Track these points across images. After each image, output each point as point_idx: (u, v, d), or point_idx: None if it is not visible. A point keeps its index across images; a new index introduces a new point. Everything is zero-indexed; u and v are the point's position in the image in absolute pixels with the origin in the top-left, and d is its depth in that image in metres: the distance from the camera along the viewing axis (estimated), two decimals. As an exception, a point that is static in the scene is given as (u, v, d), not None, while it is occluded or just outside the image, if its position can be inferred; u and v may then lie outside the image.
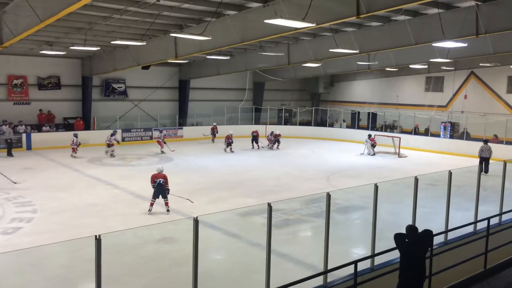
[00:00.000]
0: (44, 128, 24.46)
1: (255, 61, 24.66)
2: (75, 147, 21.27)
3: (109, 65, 23.66)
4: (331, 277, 6.47)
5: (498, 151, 21.47)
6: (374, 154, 24.07)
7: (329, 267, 6.28)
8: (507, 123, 24.29)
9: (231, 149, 23.95)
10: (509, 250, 8.25)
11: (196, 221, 5.06)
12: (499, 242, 8.15)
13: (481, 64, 25.50)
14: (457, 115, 28.34)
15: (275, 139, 26.04)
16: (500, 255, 7.98)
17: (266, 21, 10.75)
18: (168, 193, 12.48)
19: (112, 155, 21.53)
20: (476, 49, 18.81)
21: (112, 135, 22.06)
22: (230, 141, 23.97)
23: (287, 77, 31.60)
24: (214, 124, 28.26)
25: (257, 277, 6.11)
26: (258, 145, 25.79)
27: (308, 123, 33.07)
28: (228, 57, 24.58)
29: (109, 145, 21.71)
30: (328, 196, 6.34)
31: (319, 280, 6.25)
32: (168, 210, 12.34)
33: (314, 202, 13.21)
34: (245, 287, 6.35)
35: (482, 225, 8.37)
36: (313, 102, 36.97)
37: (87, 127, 25.97)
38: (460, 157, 22.77)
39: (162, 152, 23.22)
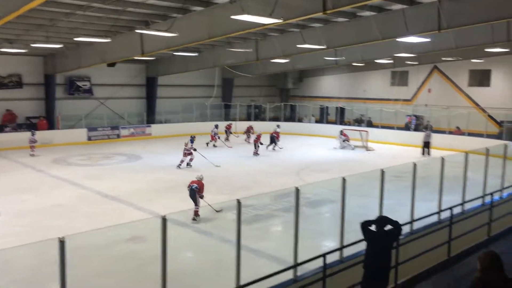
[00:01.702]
0: (6, 128, 23.63)
1: (224, 57, 24.58)
2: (33, 145, 20.78)
3: (73, 63, 23.05)
4: (301, 270, 6.53)
5: (461, 142, 22.20)
6: (353, 148, 24.55)
7: (299, 261, 6.35)
8: (469, 115, 25.10)
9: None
10: (471, 238, 8.54)
11: (164, 220, 5.00)
12: (462, 231, 8.43)
13: (443, 59, 26.23)
14: (422, 108, 29.07)
15: (248, 132, 26.33)
16: (463, 243, 8.26)
17: (233, 17, 10.72)
18: (198, 203, 11.76)
19: (189, 165, 18.69)
20: (439, 44, 19.36)
21: (191, 141, 19.08)
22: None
23: (256, 73, 31.63)
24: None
25: (227, 274, 6.10)
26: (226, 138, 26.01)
27: (277, 119, 33.20)
28: (196, 54, 24.38)
29: (186, 154, 18.77)
30: (297, 190, 6.39)
31: (289, 274, 6.30)
32: (194, 219, 11.64)
33: (284, 197, 13.30)
34: (215, 284, 6.34)
35: (446, 215, 8.64)
36: (282, 97, 37.15)
37: (51, 126, 25.22)
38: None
39: (214, 146, 24.18)
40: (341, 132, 25.20)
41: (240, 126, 30.98)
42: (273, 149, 23.80)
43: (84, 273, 8.20)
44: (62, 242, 4.38)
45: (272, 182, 16.22)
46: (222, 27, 14.31)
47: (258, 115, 34.65)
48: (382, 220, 5.98)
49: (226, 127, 27.17)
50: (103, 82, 27.60)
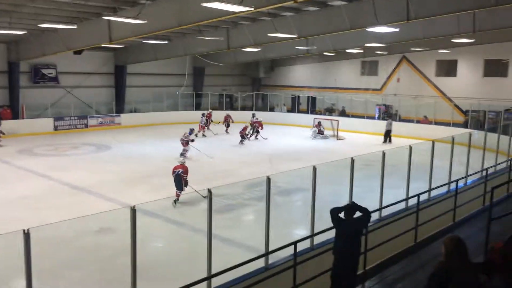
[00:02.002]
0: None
1: (194, 45, 24.26)
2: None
3: (38, 50, 22.26)
4: (273, 258, 6.59)
5: (428, 131, 22.76)
6: (328, 138, 24.80)
7: (271, 249, 6.39)
8: (436, 105, 25.71)
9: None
10: (437, 224, 8.78)
11: (133, 210, 4.93)
12: (428, 217, 8.65)
13: (412, 49, 26.70)
14: (391, 97, 29.58)
15: (226, 122, 26.19)
16: (429, 229, 8.47)
17: (203, 4, 10.58)
18: (186, 185, 12.12)
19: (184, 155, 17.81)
20: (407, 34, 19.68)
21: (190, 133, 19.16)
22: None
23: (227, 62, 31.40)
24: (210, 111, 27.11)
25: (199, 263, 6.08)
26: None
27: (249, 108, 33.15)
28: (166, 42, 23.96)
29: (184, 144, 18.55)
30: (268, 179, 6.42)
31: (261, 262, 6.34)
32: (175, 202, 11.92)
33: (256, 186, 13.31)
34: (186, 273, 6.31)
35: (413, 202, 8.85)
36: (254, 86, 37.09)
37: (15, 116, 24.39)
38: (393, 137, 23.81)
39: (204, 135, 24.11)
40: (319, 124, 25.36)
41: (214, 115, 30.80)
42: (256, 138, 23.96)
43: (52, 265, 8.05)
44: (27, 234, 4.28)
45: (243, 171, 16.22)
46: (192, 15, 14.09)
47: (230, 104, 34.51)
48: (351, 208, 6.05)
49: (207, 116, 26.74)
50: (69, 70, 26.80)
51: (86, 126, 26.32)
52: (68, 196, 12.96)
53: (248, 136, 23.36)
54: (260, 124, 24.43)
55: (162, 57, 26.63)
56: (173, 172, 12.25)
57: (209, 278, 5.67)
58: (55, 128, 25.00)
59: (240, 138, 22.43)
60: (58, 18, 17.03)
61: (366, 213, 6.16)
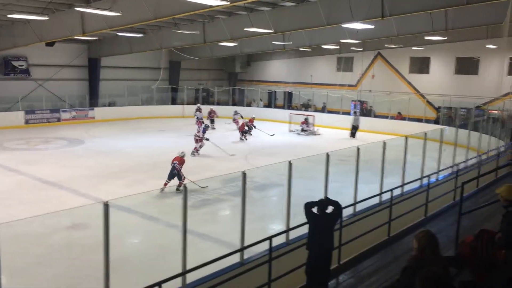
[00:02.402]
0: None
1: (170, 39, 23.99)
2: None
3: (8, 41, 21.59)
4: (248, 253, 6.58)
5: (402, 127, 23.15)
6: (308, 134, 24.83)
7: (246, 244, 6.38)
8: (409, 101, 26.16)
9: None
10: (409, 218, 8.95)
11: (106, 206, 4.84)
12: (401, 211, 8.81)
13: (386, 46, 27.08)
14: (366, 94, 29.95)
15: (211, 118, 25.87)
16: (402, 223, 8.63)
17: (179, -3, 10.44)
18: (182, 177, 12.56)
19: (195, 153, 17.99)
20: (382, 31, 19.96)
21: (204, 130, 18.88)
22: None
23: (203, 56, 31.17)
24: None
25: (174, 259, 6.03)
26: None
27: (225, 103, 33.04)
28: (141, 35, 23.59)
29: (197, 140, 18.38)
30: (244, 174, 6.40)
31: (236, 258, 6.33)
32: (177, 189, 12.27)
33: (232, 181, 13.29)
34: (161, 269, 6.25)
35: (386, 196, 8.99)
36: (230, 81, 36.96)
37: (-16, 109, 23.69)
38: (368, 133, 24.15)
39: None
40: (306, 120, 25.41)
41: (189, 110, 30.60)
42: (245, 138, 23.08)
43: (23, 261, 7.85)
44: (-5, 231, 4.13)
45: (220, 166, 16.17)
46: (168, 8, 13.91)
47: (206, 99, 34.32)
48: (323, 202, 6.09)
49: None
50: (41, 62, 26.13)
51: (59, 120, 25.75)
52: (39, 191, 12.67)
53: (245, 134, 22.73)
54: (251, 121, 24.22)
55: (137, 50, 26.24)
56: (172, 163, 12.89)
57: (183, 273, 5.62)
58: (26, 121, 24.39)
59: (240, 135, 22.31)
60: (29, 9, 16.56)
61: (337, 206, 6.18)
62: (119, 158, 17.22)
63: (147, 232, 10.39)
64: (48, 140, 20.80)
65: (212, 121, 25.82)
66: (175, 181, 12.60)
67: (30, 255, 8.44)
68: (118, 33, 22.51)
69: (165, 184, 12.70)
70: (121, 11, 13.00)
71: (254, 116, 25.29)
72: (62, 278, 7.72)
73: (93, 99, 28.28)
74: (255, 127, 23.86)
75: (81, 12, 16.00)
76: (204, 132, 18.76)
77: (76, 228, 9.69)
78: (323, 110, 30.00)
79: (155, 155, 17.97)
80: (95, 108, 27.77)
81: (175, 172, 12.67)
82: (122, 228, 9.41)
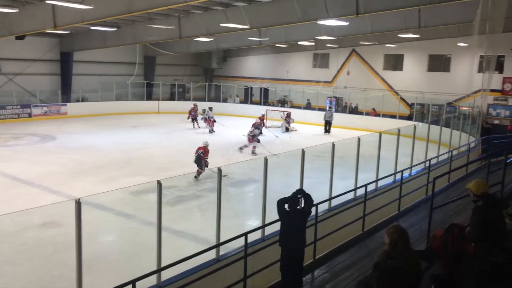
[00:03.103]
0: None
1: (145, 33, 23.64)
2: None
3: (-24, 34, 20.91)
4: (224, 249, 6.58)
5: (376, 123, 23.50)
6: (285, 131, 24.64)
7: (222, 240, 6.38)
8: (383, 97, 26.56)
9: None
10: (383, 213, 9.10)
11: (78, 203, 4.75)
12: (375, 206, 8.96)
13: (361, 43, 27.37)
14: (341, 90, 30.25)
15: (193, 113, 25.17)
16: (376, 218, 8.77)
17: (154, -9, 10.29)
18: (206, 166, 13.59)
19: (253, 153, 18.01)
20: (357, 28, 20.16)
21: (257, 128, 18.87)
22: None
23: (179, 52, 30.87)
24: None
25: (149, 256, 5.98)
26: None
27: (201, 99, 32.82)
28: (115, 29, 23.17)
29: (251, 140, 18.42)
30: (219, 170, 6.38)
31: (212, 254, 6.32)
32: (195, 177, 13.34)
33: (208, 177, 13.25)
34: (136, 267, 6.18)
35: (361, 192, 9.12)
36: (206, 77, 36.73)
37: (-49, 104, 22.89)
38: (342, 129, 24.42)
39: (212, 131, 23.12)
40: (287, 115, 25.35)
41: (164, 106, 30.36)
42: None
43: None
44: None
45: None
46: (143, 2, 13.71)
47: (182, 95, 34.04)
48: (294, 198, 6.09)
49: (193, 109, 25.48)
50: (11, 56, 25.38)
51: (30, 115, 25.12)
52: (9, 188, 12.34)
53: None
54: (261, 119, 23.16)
55: (111, 45, 25.77)
56: (196, 152, 13.73)
57: (158, 271, 5.58)
58: (-5, 117, 23.71)
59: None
60: (-2, 1, 16.05)
61: (309, 200, 6.20)
62: (92, 155, 16.92)
63: (121, 229, 10.24)
64: (18, 136, 20.26)
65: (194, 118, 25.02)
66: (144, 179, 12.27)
67: (0, 253, 8.22)
68: (91, 27, 22.05)
69: (199, 172, 13.51)
70: (94, 4, 12.72)
71: (263, 113, 24.34)
72: (34, 277, 7.55)
73: (66, 94, 27.65)
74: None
75: (53, 4, 15.60)
76: (256, 131, 18.63)
77: (48, 226, 9.49)
78: (308, 107, 29.84)
79: (130, 152, 17.74)
80: (68, 104, 27.17)
81: (201, 160, 13.62)
82: (96, 226, 9.26)
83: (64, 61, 27.99)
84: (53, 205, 8.86)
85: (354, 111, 28.26)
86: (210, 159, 16.55)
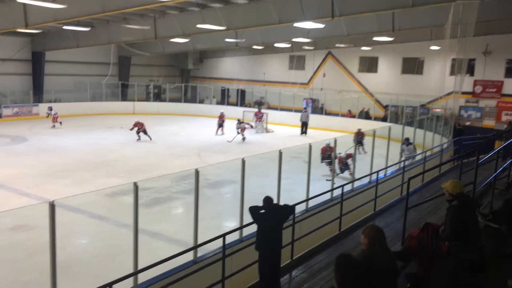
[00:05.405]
0: None
1: (119, 33, 23.31)
2: None
3: None
4: (202, 251, 6.53)
5: (352, 124, 23.76)
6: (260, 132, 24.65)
7: (200, 242, 6.33)
8: (358, 99, 26.91)
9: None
10: (359, 213, 9.20)
11: (52, 206, 4.63)
12: (352, 207, 9.05)
13: (337, 45, 27.70)
14: (317, 92, 30.50)
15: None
16: (352, 218, 8.86)
17: (129, -10, 10.16)
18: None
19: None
20: (332, 31, 20.42)
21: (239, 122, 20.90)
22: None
23: (154, 52, 30.57)
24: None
25: (125, 258, 5.89)
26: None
27: (178, 100, 32.58)
28: (88, 28, 22.73)
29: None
30: (197, 172, 6.33)
31: (190, 256, 6.27)
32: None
33: (185, 179, 13.12)
34: (111, 269, 6.08)
35: (337, 192, 9.19)
36: (182, 78, 36.49)
37: None
38: (319, 130, 24.61)
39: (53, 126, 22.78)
40: (261, 117, 25.23)
41: (140, 107, 29.97)
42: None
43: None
44: None
45: (171, 164, 15.93)
46: (117, 2, 13.55)
47: (158, 96, 33.70)
48: (267, 201, 6.08)
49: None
50: (-20, 55, 24.67)
51: (0, 116, 24.39)
52: (-22, 192, 11.96)
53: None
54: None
55: (84, 45, 25.32)
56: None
57: (135, 273, 5.49)
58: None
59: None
60: (-34, -2, 15.58)
61: (286, 207, 6.34)
62: (64, 156, 16.56)
63: (96, 232, 10.05)
64: (-12, 137, 19.67)
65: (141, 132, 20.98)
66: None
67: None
68: (63, 27, 21.60)
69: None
70: (67, 3, 12.48)
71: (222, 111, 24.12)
72: (4, 283, 7.31)
73: (37, 94, 26.97)
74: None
75: (24, 3, 15.22)
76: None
77: (19, 229, 9.23)
78: (262, 105, 29.69)
79: (103, 153, 17.44)
80: (39, 104, 26.50)
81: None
82: (69, 229, 9.07)
83: (35, 61, 27.32)
84: (25, 208, 8.62)
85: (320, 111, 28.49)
86: (186, 160, 16.54)
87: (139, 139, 20.26)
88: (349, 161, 12.80)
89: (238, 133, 21.01)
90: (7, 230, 9.15)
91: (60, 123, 23.31)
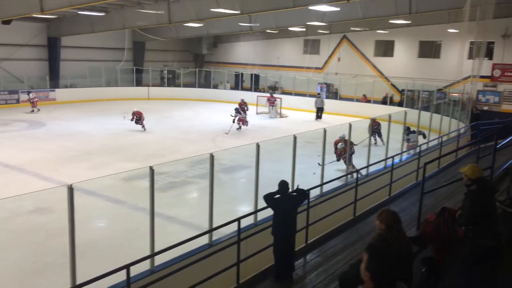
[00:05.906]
0: None
1: (134, 18, 23.32)
2: None
3: (-40, 18, 20.46)
4: (217, 235, 6.61)
5: (366, 109, 23.57)
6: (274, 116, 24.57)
7: (214, 226, 6.40)
8: (374, 84, 26.61)
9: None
10: (374, 198, 9.18)
11: (70, 189, 4.72)
12: (367, 192, 9.02)
13: (352, 29, 27.30)
14: (332, 76, 30.22)
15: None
16: (367, 203, 8.84)
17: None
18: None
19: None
20: (348, 14, 20.09)
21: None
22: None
23: (169, 37, 30.54)
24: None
25: (142, 242, 5.99)
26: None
27: (192, 85, 32.62)
28: (102, 13, 22.82)
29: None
30: (212, 157, 6.37)
31: (205, 239, 6.35)
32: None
33: (199, 163, 13.22)
34: (129, 253, 6.19)
35: (352, 178, 9.17)
36: (196, 63, 36.42)
37: None
38: (333, 115, 24.46)
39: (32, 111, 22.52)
40: (271, 95, 25.28)
41: (154, 92, 30.09)
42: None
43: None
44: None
45: (186, 149, 16.03)
46: (132, -14, 13.50)
47: (172, 81, 33.78)
48: (283, 185, 6.09)
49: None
50: (-3, 41, 24.95)
51: (18, 101, 24.76)
52: (-1, 175, 12.23)
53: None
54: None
55: (99, 30, 25.39)
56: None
57: (152, 256, 5.60)
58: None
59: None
60: (-18, -16, 15.71)
61: (301, 192, 6.32)
62: (82, 141, 16.79)
63: (113, 215, 10.23)
64: (6, 122, 20.00)
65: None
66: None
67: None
68: (78, 12, 21.71)
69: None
70: (82, -12, 12.51)
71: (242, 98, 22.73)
72: (26, 264, 7.53)
73: (54, 80, 27.27)
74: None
75: (40, -12, 15.34)
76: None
77: (40, 212, 9.44)
78: (276, 90, 29.52)
79: (120, 138, 17.63)
80: (56, 90, 26.83)
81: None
82: (88, 212, 9.23)
83: (51, 46, 27.55)
84: (44, 191, 8.79)
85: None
86: (201, 145, 16.63)
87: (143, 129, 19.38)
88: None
89: (234, 121, 19.79)
90: (27, 213, 9.37)
91: (39, 109, 23.02)
